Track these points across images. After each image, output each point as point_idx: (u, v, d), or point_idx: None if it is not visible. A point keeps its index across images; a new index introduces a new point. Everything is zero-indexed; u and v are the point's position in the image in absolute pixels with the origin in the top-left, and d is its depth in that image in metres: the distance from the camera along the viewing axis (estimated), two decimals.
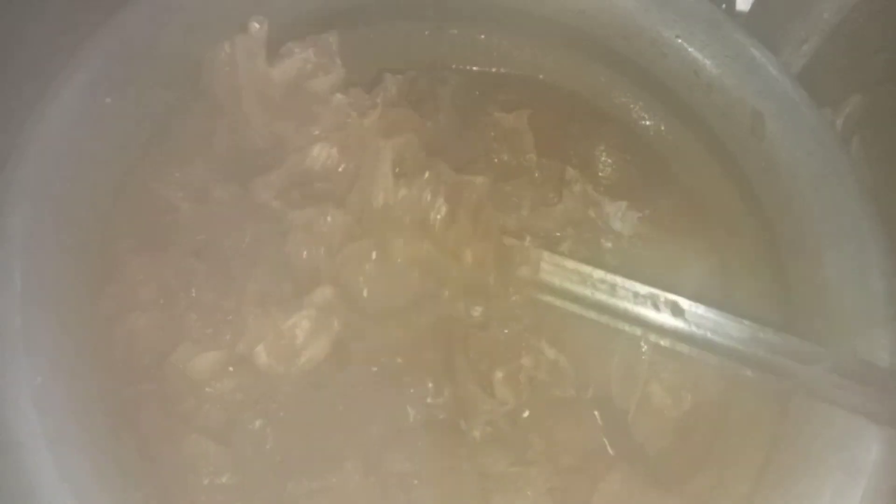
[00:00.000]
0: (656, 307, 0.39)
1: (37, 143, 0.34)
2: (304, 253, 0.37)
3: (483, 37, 0.48)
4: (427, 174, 0.39)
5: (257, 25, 0.40)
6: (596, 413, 0.38)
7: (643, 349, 0.39)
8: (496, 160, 0.44)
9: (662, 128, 0.46)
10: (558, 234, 0.42)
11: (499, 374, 0.37)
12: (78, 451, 0.30)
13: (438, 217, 0.39)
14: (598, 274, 0.40)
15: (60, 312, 0.32)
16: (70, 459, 0.29)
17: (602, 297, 0.39)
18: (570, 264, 0.40)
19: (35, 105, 0.35)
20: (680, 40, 0.43)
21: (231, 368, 0.35)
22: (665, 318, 0.39)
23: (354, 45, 0.46)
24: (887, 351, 0.35)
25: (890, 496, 0.32)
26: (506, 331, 0.38)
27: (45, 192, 0.33)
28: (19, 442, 0.29)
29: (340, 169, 0.40)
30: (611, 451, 0.38)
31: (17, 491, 0.29)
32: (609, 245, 0.42)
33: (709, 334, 0.38)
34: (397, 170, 0.39)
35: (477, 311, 0.39)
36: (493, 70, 0.48)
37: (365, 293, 0.37)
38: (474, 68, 0.48)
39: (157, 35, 0.39)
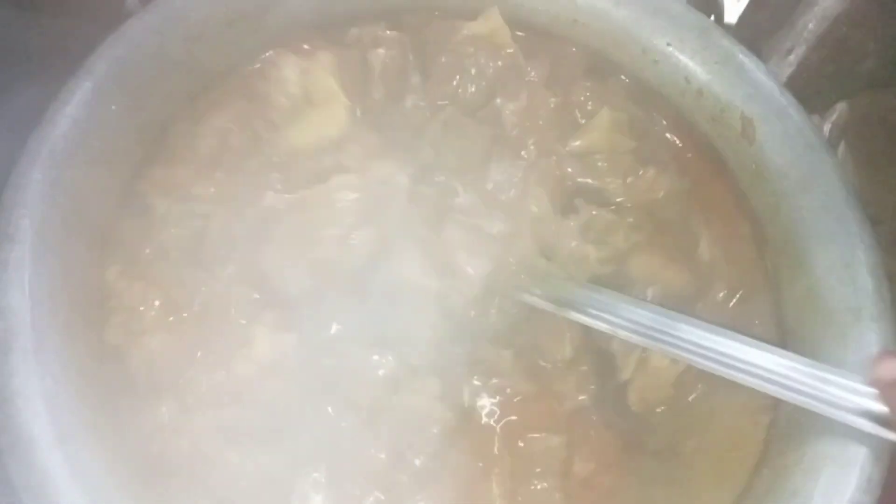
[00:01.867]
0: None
1: (46, 147, 0.35)
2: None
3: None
4: None
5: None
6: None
7: None
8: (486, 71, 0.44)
9: (656, 132, 0.47)
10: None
11: None
12: (89, 449, 0.30)
13: None
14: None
15: (70, 313, 0.33)
16: (81, 457, 0.30)
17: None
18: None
19: (44, 111, 0.36)
20: (671, 48, 0.45)
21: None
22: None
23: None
24: (876, 346, 0.36)
25: (881, 486, 0.33)
26: None
27: (54, 195, 0.34)
28: (31, 439, 0.29)
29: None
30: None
31: (29, 487, 0.29)
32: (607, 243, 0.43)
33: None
34: None
35: None
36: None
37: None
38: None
39: (162, 44, 0.40)
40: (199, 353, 0.36)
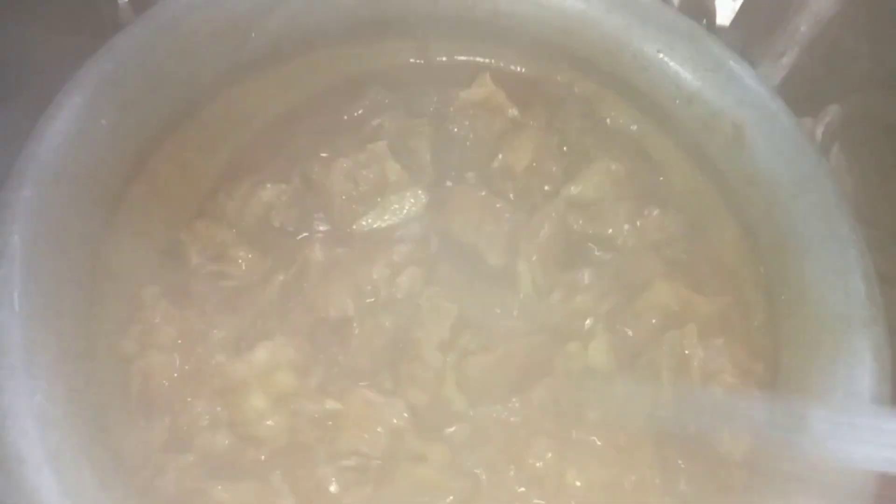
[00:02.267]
0: None
1: (35, 163, 0.35)
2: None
3: (466, 58, 0.49)
4: None
5: None
6: None
7: None
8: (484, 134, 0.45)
9: (648, 138, 0.47)
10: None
11: None
12: (79, 467, 0.30)
13: None
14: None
15: (60, 330, 0.33)
16: (70, 475, 0.30)
17: None
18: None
19: (33, 127, 0.36)
20: (661, 55, 0.45)
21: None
22: None
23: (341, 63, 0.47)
24: (869, 353, 0.36)
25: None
26: None
27: (44, 212, 0.34)
28: (21, 458, 0.29)
29: None
30: None
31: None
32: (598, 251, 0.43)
33: None
34: None
35: None
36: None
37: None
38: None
39: (151, 58, 0.40)
40: (197, 383, 0.36)
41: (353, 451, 0.35)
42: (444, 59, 0.49)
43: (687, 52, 0.44)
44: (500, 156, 0.45)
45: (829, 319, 0.37)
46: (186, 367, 0.36)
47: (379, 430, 0.35)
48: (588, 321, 0.40)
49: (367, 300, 0.39)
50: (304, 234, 0.42)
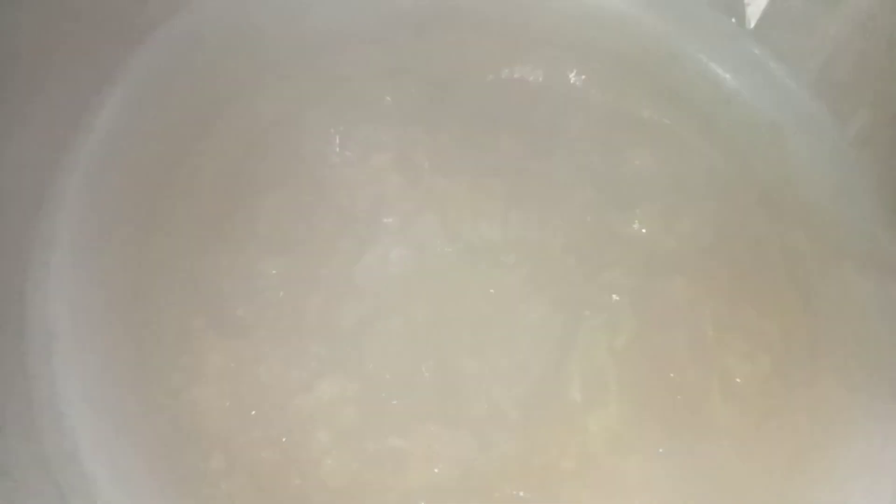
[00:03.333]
0: None
1: (84, 153, 0.35)
2: None
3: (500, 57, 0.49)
4: None
5: None
6: None
7: None
8: None
9: (685, 139, 0.47)
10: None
11: None
12: (131, 452, 0.31)
13: None
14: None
15: (110, 316, 0.33)
16: (123, 459, 0.30)
17: None
18: None
19: (77, 117, 0.36)
20: (700, 54, 0.45)
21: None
22: None
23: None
24: None
25: None
26: None
27: (92, 202, 0.35)
28: (74, 442, 0.30)
29: None
30: None
31: (73, 490, 0.29)
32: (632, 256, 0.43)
33: None
34: None
35: None
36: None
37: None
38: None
39: (197, 50, 0.40)
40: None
41: None
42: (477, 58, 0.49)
43: (726, 52, 0.45)
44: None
45: (870, 324, 0.37)
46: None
47: None
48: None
49: None
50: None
